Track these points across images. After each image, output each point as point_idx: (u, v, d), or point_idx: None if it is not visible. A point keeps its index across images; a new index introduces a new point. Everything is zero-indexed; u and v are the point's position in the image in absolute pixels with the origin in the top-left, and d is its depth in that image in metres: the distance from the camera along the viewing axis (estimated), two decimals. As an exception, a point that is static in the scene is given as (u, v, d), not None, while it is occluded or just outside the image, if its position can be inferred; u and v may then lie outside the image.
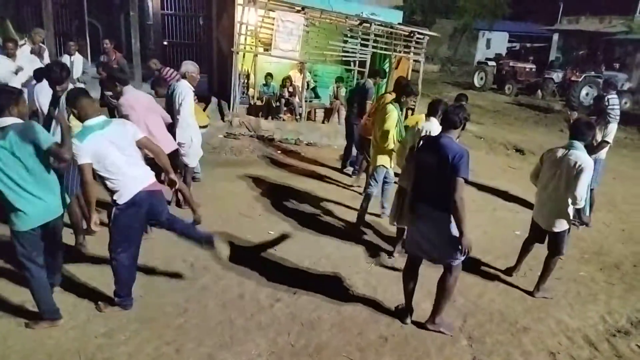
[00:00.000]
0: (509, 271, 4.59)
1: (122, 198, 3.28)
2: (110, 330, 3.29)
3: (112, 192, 3.29)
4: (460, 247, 3.26)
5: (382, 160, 5.14)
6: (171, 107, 4.98)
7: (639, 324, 3.96)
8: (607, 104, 5.82)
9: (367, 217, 5.49)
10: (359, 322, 3.65)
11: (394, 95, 5.45)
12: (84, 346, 3.12)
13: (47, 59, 7.75)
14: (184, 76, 4.94)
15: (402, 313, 3.73)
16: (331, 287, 4.08)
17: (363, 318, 3.70)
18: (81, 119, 3.21)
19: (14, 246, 3.08)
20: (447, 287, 3.49)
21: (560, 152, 3.98)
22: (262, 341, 3.33)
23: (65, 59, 7.26)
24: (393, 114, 4.96)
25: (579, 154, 3.87)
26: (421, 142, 3.48)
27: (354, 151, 7.12)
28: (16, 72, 6.08)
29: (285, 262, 4.46)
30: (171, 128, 5.01)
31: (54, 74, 4.03)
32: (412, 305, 3.73)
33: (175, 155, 4.67)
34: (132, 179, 3.31)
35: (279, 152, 8.19)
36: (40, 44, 7.63)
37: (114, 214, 3.32)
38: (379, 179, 5.25)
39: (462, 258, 3.40)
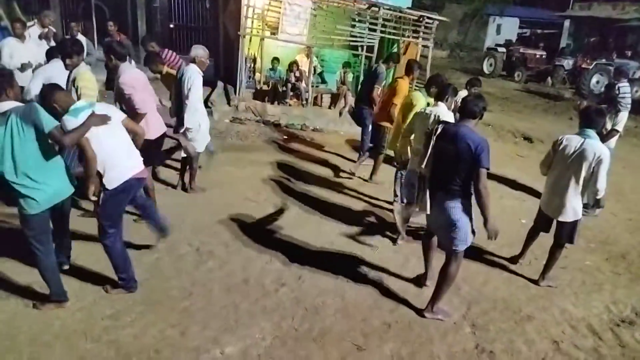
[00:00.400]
0: (514, 259, 4.58)
1: (112, 183, 3.28)
2: (117, 312, 3.33)
3: (101, 175, 3.28)
4: (459, 234, 3.35)
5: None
6: (179, 92, 4.96)
7: (644, 314, 3.96)
8: (618, 92, 5.74)
9: (376, 203, 5.49)
10: (363, 308, 3.66)
11: (406, 80, 5.56)
12: (90, 328, 3.16)
13: (53, 43, 7.71)
14: (193, 60, 4.90)
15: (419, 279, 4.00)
16: (335, 272, 4.09)
17: (367, 304, 3.72)
18: (63, 110, 3.16)
19: (23, 228, 3.10)
20: (448, 275, 3.50)
21: (575, 142, 3.90)
22: (266, 325, 3.36)
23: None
24: (421, 101, 4.91)
25: (596, 144, 3.81)
26: (439, 129, 3.43)
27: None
28: (22, 70, 5.87)
29: (290, 247, 4.47)
30: (179, 112, 5.01)
31: (64, 48, 4.08)
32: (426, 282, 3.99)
33: (163, 138, 4.72)
34: (122, 163, 3.32)
35: (285, 137, 8.17)
36: (50, 27, 7.59)
37: (102, 200, 3.33)
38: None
39: (464, 246, 3.43)
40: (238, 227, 4.76)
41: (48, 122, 2.93)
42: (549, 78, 19.12)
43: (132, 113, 4.02)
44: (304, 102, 9.54)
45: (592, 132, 3.88)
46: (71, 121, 3.07)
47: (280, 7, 9.04)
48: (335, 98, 10.05)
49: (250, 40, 9.20)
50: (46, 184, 3.03)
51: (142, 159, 3.52)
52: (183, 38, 13.85)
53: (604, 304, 4.04)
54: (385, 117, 5.86)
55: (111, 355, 2.97)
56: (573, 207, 3.97)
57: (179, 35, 14.00)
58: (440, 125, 3.46)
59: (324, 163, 7.03)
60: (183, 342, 3.13)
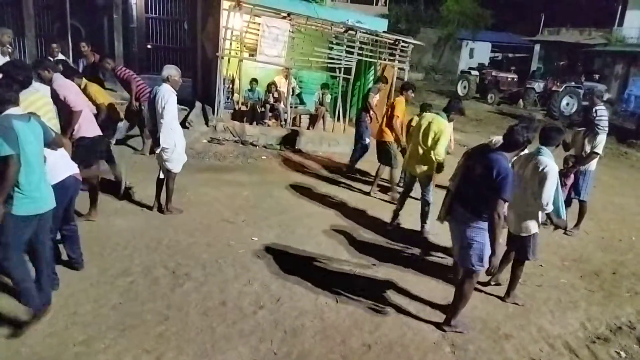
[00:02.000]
0: (489, 280, 4.54)
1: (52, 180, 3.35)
2: (89, 338, 3.21)
3: None
4: (472, 253, 3.49)
5: (429, 168, 5.35)
6: (154, 112, 4.93)
7: (618, 330, 4.03)
8: (595, 114, 5.80)
9: (365, 221, 5.51)
10: (342, 329, 3.63)
11: (402, 98, 6.58)
12: (61, 355, 3.04)
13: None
14: (166, 80, 4.89)
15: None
16: (315, 293, 4.05)
17: (346, 325, 3.68)
18: None
19: (3, 231, 2.98)
20: (463, 292, 3.62)
21: (524, 157, 4.03)
22: (244, 349, 3.29)
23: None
24: (447, 129, 5.29)
25: (544, 159, 3.89)
26: (473, 150, 3.59)
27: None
28: None
29: (268, 268, 4.42)
30: (155, 132, 4.98)
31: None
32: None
33: (101, 140, 4.98)
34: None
35: (264, 157, 8.15)
36: (8, 45, 7.45)
37: None
38: (432, 185, 5.47)
39: (480, 269, 3.52)
40: (215, 248, 4.69)
41: (50, 130, 3.22)
42: (521, 100, 19.71)
43: (69, 112, 4.41)
44: (283, 122, 9.57)
45: (545, 150, 3.97)
46: None
47: (258, 29, 9.11)
48: (313, 119, 10.12)
49: (228, 62, 9.23)
50: (39, 188, 3.10)
51: (83, 159, 3.84)
52: (160, 59, 13.84)
53: (580, 321, 4.10)
54: (388, 132, 6.56)
55: (82, 383, 2.86)
56: (525, 222, 4.03)
57: (157, 55, 13.99)
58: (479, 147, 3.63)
59: (302, 183, 7.03)
60: (158, 369, 3.03)
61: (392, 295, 4.19)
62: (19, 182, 2.95)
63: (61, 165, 3.51)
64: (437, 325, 3.75)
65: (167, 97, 4.79)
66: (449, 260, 4.85)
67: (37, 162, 3.08)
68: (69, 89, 4.54)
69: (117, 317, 3.46)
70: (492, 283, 4.50)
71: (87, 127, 4.66)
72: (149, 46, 13.88)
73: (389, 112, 6.61)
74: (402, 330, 3.68)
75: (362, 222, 5.76)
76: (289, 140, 9.04)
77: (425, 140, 5.29)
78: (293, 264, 4.56)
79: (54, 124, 3.74)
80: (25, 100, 3.37)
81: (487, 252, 3.44)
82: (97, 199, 4.96)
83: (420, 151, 5.33)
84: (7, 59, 6.71)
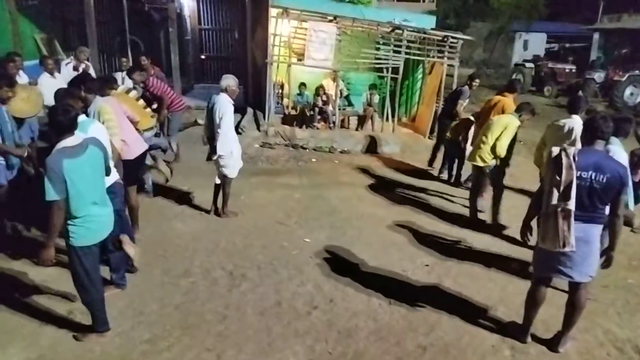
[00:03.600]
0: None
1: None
2: (154, 337, 3.40)
3: None
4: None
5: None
6: (211, 120, 5.13)
7: (695, 334, 3.76)
8: None
9: (404, 224, 5.49)
10: (396, 331, 3.62)
11: (508, 97, 6.24)
12: (129, 353, 3.24)
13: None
14: (224, 90, 5.06)
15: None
16: (368, 294, 4.07)
17: (400, 327, 3.68)
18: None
19: (73, 266, 3.15)
20: (583, 304, 3.43)
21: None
22: (299, 348, 3.36)
23: (118, 75, 7.53)
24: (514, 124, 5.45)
25: (614, 148, 3.78)
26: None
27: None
28: None
29: (320, 269, 4.48)
30: (212, 140, 5.17)
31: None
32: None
33: (144, 157, 4.84)
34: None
35: (314, 160, 8.25)
36: (86, 62, 7.98)
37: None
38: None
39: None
40: (270, 250, 4.81)
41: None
42: (580, 92, 18.70)
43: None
44: (332, 125, 9.63)
45: (615, 140, 3.86)
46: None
47: (305, 34, 9.24)
48: (362, 120, 10.12)
49: (277, 67, 9.42)
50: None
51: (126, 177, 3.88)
52: (213, 68, 14.34)
53: (651, 324, 3.87)
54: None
55: (150, 379, 3.03)
56: None
57: (210, 65, 14.49)
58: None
59: (352, 185, 7.05)
60: (219, 366, 3.16)
61: (446, 296, 4.13)
62: (72, 215, 2.97)
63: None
64: (551, 349, 3.48)
65: (225, 108, 4.96)
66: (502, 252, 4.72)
67: (93, 192, 3.06)
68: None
69: (179, 316, 3.64)
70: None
71: (127, 151, 4.40)
72: (202, 57, 14.39)
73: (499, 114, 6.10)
74: (458, 333, 3.63)
75: (413, 223, 5.71)
76: (338, 142, 9.09)
77: (492, 135, 5.40)
78: (345, 265, 4.60)
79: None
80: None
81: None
82: (137, 219, 4.87)
83: (486, 145, 5.44)
84: (67, 75, 7.21)
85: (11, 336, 3.32)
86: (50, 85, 6.25)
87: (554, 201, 3.10)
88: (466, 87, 7.40)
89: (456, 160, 7.26)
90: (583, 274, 3.28)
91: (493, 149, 5.41)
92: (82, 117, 3.53)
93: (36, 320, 3.49)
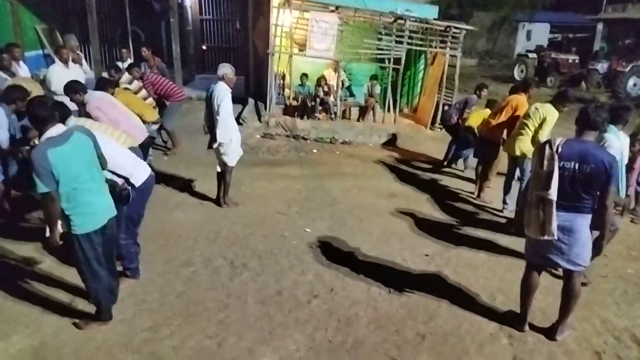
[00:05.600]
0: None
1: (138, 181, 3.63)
2: (156, 325, 3.44)
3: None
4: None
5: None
6: (210, 109, 5.15)
7: (693, 324, 3.79)
8: None
9: (406, 212, 5.49)
10: (396, 320, 3.65)
11: (522, 96, 5.94)
12: (131, 340, 3.27)
13: (85, 66, 8.14)
14: (221, 78, 5.08)
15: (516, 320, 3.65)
16: (368, 283, 4.10)
17: (400, 315, 3.71)
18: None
19: (75, 254, 3.18)
20: (578, 292, 3.44)
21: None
22: (300, 337, 3.40)
23: (119, 65, 7.54)
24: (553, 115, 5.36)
25: (608, 136, 3.86)
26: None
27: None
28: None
29: (321, 259, 4.51)
30: (212, 128, 5.19)
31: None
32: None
33: (149, 143, 5.02)
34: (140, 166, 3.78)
35: (315, 151, 8.26)
36: (79, 52, 7.98)
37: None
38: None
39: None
40: (270, 239, 4.84)
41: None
42: (583, 82, 18.61)
43: None
44: (333, 115, 9.63)
45: (612, 127, 3.94)
46: None
47: (307, 25, 9.21)
48: (363, 111, 10.11)
49: (279, 58, 9.40)
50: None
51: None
52: (215, 58, 14.26)
53: (649, 314, 3.89)
54: (495, 133, 6.10)
55: (151, 366, 3.07)
56: None
57: (211, 55, 14.44)
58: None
59: (354, 175, 7.07)
60: (220, 354, 3.20)
61: (445, 285, 4.16)
62: (65, 205, 2.96)
63: (142, 166, 3.73)
64: (548, 337, 3.49)
65: (223, 95, 4.98)
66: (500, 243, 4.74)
67: (85, 179, 3.02)
68: (98, 109, 4.53)
69: (181, 304, 3.68)
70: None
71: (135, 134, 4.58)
72: (203, 47, 14.34)
73: (509, 112, 5.96)
74: (457, 321, 3.66)
75: (414, 213, 5.73)
76: (339, 133, 9.09)
77: (532, 125, 5.39)
78: (345, 254, 4.63)
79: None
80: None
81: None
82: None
83: (525, 136, 5.43)
84: (78, 66, 7.23)
85: (14, 324, 3.36)
86: (61, 74, 6.27)
87: (536, 190, 3.20)
88: (474, 95, 7.40)
89: (459, 146, 7.43)
90: (571, 262, 3.29)
91: (533, 139, 5.34)
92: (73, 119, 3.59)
93: (38, 308, 3.53)
